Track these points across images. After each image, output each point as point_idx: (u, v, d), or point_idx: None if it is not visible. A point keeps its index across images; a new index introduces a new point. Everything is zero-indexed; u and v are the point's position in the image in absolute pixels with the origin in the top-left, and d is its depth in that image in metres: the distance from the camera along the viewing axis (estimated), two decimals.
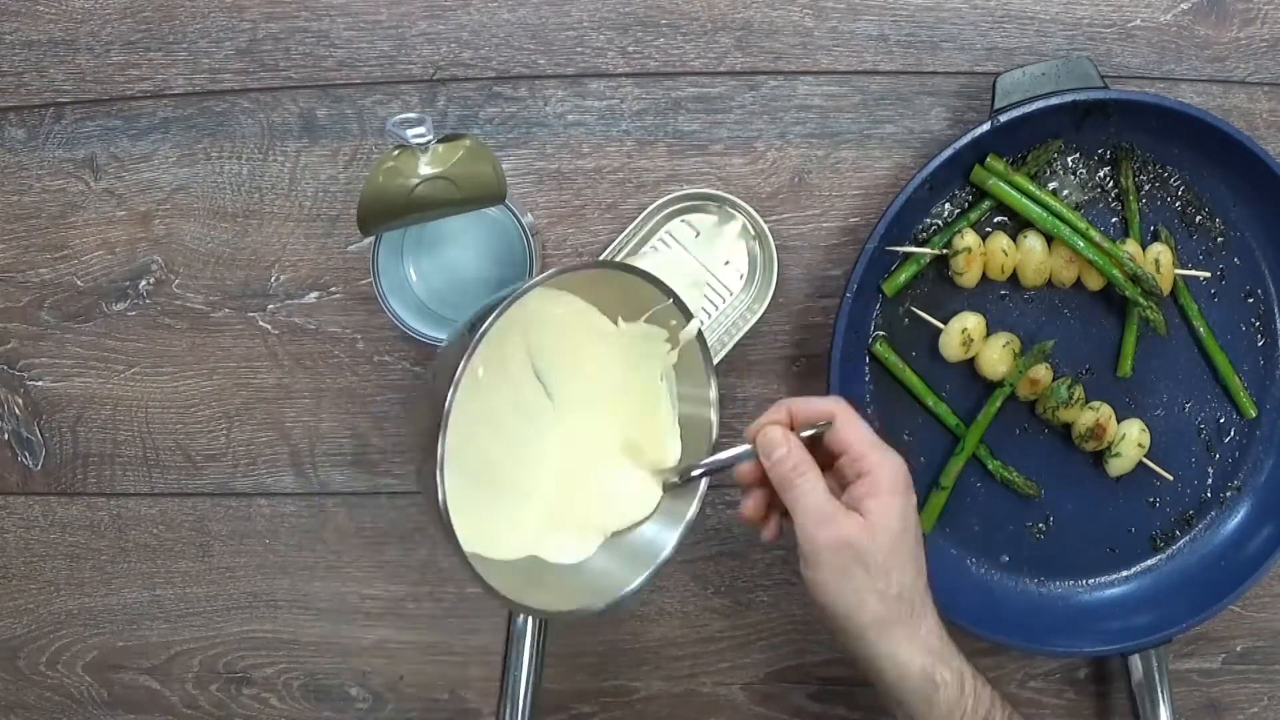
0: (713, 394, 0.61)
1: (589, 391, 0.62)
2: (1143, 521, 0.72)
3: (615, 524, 0.62)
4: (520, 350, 0.61)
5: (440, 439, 0.51)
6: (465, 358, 0.51)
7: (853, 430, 0.56)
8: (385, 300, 0.65)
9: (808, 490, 0.55)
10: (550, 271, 0.56)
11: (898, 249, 0.69)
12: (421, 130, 0.57)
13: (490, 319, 0.52)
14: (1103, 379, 0.71)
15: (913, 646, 0.55)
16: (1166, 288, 0.68)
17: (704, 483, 0.61)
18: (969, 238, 0.68)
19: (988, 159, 0.68)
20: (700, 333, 0.61)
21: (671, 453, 0.63)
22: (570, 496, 0.61)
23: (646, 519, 0.62)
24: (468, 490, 0.55)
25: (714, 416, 0.62)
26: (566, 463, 0.62)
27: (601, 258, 0.70)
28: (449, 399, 0.51)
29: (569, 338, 0.62)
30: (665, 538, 0.60)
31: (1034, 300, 0.71)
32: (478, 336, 0.52)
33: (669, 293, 0.59)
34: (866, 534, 0.54)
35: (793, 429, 0.57)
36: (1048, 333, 0.70)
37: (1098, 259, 0.67)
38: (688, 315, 0.60)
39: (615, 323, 0.62)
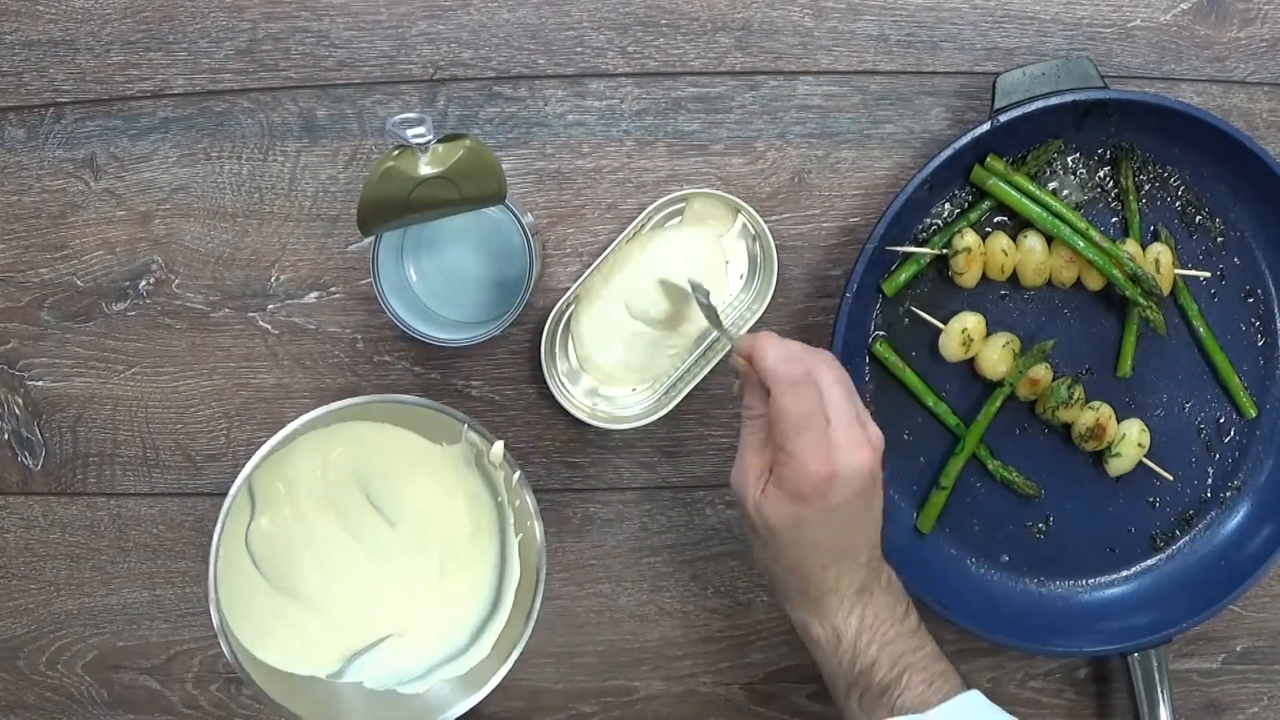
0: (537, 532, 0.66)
1: (420, 512, 0.68)
2: (1143, 521, 0.72)
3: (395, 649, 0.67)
4: (348, 481, 0.67)
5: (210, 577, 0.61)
6: (224, 509, 0.61)
7: (764, 359, 0.58)
8: (385, 300, 0.65)
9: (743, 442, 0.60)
10: (312, 414, 0.62)
11: (898, 249, 0.69)
12: (421, 130, 0.57)
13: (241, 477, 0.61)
14: (1103, 379, 0.71)
15: (796, 606, 0.61)
16: (1166, 288, 0.68)
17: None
18: (969, 238, 0.68)
19: (988, 159, 0.68)
20: (510, 466, 0.65)
21: (464, 599, 0.68)
22: (368, 615, 0.67)
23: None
24: (274, 607, 0.65)
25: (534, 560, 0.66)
26: (374, 581, 0.68)
27: (601, 257, 0.70)
28: (214, 544, 0.61)
29: (397, 463, 0.67)
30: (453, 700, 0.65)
31: (1034, 300, 0.71)
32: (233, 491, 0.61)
33: (462, 419, 0.64)
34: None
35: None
36: (1048, 333, 0.70)
37: (1098, 259, 0.67)
38: (489, 439, 0.64)
39: (440, 444, 0.67)
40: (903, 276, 0.69)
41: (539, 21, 0.71)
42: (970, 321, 0.68)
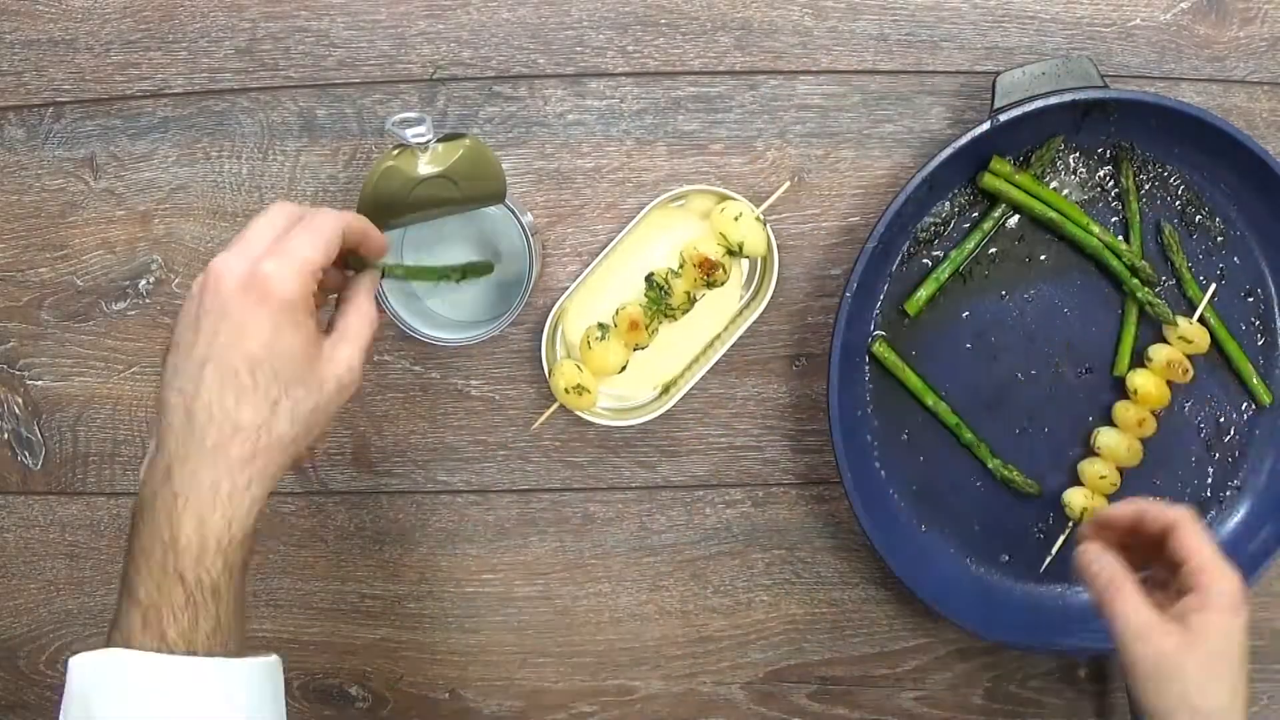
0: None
1: None
2: None
3: None
4: None
5: None
6: None
7: (1194, 540, 0.57)
8: (385, 300, 0.65)
9: (1123, 606, 0.56)
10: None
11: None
12: (421, 130, 0.57)
13: None
14: (1101, 378, 0.71)
15: None
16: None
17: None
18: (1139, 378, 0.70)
19: (993, 163, 0.68)
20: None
21: None
22: None
23: None
24: None
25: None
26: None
27: (600, 257, 0.70)
28: None
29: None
30: None
31: (1034, 300, 0.71)
32: None
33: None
34: (1183, 649, 0.54)
35: (1138, 529, 0.59)
36: (1047, 333, 0.71)
37: (1104, 255, 0.68)
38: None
39: None
40: (923, 294, 0.69)
41: (539, 21, 0.71)
42: None
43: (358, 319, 0.55)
